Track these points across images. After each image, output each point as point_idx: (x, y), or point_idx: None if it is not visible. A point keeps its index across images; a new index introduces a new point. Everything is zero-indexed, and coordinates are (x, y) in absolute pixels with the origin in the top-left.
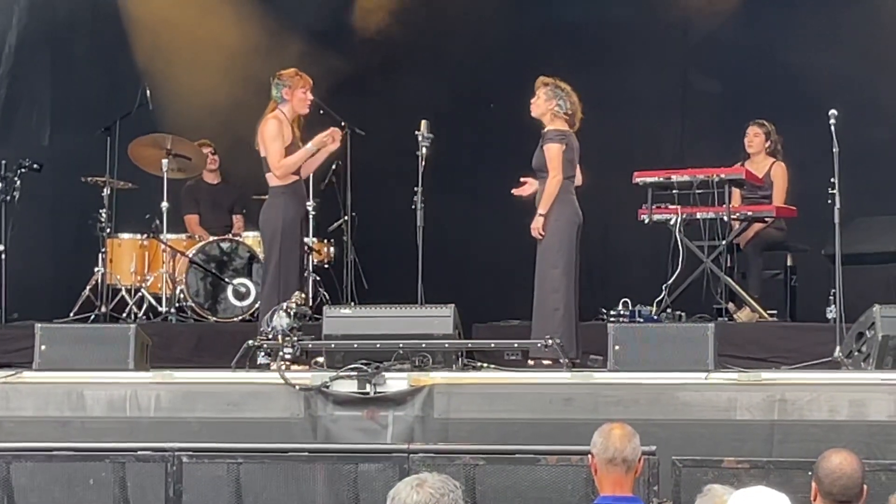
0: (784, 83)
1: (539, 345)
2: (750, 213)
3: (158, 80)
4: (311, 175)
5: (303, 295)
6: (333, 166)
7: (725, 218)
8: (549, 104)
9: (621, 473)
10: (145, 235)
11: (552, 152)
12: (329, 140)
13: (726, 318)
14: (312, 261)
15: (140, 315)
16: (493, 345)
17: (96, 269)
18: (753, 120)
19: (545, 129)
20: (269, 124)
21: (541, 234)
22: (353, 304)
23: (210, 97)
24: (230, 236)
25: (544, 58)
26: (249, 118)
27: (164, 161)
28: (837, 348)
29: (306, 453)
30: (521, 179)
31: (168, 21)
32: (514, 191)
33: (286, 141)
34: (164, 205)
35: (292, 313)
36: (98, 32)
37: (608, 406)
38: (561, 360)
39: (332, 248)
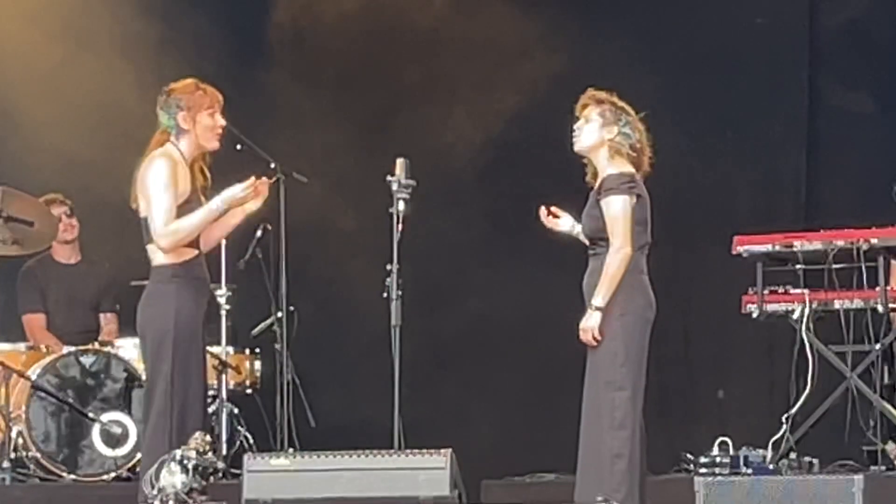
0: None
1: None
2: None
3: None
4: (223, 245)
5: (207, 437)
6: (259, 232)
7: (880, 308)
8: (610, 131)
9: None
10: None
11: (616, 209)
12: (249, 195)
13: (883, 467)
14: (227, 384)
15: None
16: None
17: None
18: None
19: (605, 175)
20: (155, 166)
21: (596, 340)
22: (291, 450)
23: (67, 144)
24: (96, 346)
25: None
26: (121, 171)
27: None
28: None
29: None
30: (553, 209)
31: (15, 51)
32: (546, 222)
33: (182, 195)
34: None
35: (190, 466)
36: None
37: None
38: None
39: (257, 363)
